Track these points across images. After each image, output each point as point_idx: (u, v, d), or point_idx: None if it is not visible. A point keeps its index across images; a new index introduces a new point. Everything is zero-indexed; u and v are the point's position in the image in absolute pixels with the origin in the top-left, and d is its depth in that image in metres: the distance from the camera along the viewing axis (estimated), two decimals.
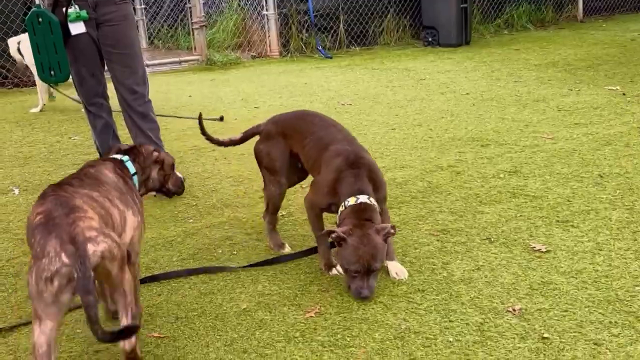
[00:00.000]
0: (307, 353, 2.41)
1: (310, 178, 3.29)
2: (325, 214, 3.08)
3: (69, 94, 6.78)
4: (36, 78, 6.88)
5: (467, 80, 7.33)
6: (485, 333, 2.46)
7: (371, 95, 6.87)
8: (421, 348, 2.39)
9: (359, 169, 2.87)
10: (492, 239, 3.25)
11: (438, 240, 3.28)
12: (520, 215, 3.51)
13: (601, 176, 4.01)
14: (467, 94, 6.61)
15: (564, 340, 2.37)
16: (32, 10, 3.88)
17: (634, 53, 8.42)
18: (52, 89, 7.11)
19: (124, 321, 2.23)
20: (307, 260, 3.14)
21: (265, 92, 7.33)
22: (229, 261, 3.21)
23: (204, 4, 9.92)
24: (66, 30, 3.88)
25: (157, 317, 2.72)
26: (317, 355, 2.39)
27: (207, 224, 3.69)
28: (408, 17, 10.71)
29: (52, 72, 3.94)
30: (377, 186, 2.90)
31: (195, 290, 2.93)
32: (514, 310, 2.59)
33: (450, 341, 2.42)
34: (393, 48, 10.28)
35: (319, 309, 2.71)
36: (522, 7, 11.57)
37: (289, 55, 9.86)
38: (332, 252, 3.02)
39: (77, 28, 3.92)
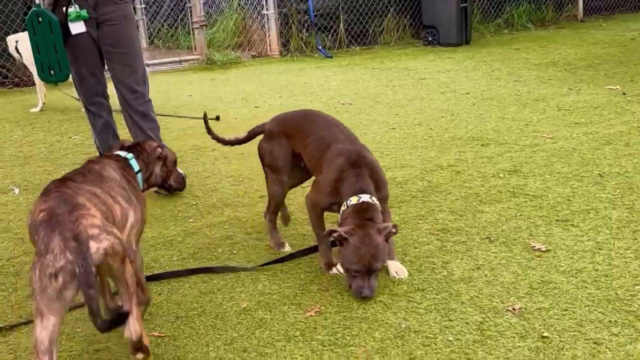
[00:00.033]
0: (307, 352, 2.41)
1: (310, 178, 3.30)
2: (325, 213, 3.08)
3: (69, 93, 6.81)
4: (35, 77, 6.88)
5: (467, 79, 7.33)
6: (485, 332, 2.46)
7: (371, 94, 6.87)
8: (421, 347, 2.39)
9: (361, 168, 2.87)
10: (492, 238, 3.25)
11: (438, 240, 3.28)
12: (520, 215, 3.51)
13: (601, 175, 4.01)
14: (467, 93, 6.61)
15: (563, 339, 2.38)
16: (32, 9, 3.88)
17: (634, 52, 8.42)
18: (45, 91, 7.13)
19: (131, 320, 2.25)
20: (307, 259, 3.14)
21: (266, 91, 7.33)
22: (229, 260, 3.21)
23: (204, 3, 9.93)
24: (66, 29, 3.89)
25: (157, 316, 2.72)
26: (317, 354, 2.39)
27: (207, 223, 3.69)
28: (408, 16, 10.71)
29: (52, 72, 3.94)
30: (378, 185, 2.90)
31: (195, 290, 2.93)
32: (514, 309, 2.59)
33: (450, 340, 2.42)
34: (393, 47, 10.28)
35: (319, 308, 2.71)
36: (522, 6, 11.57)
37: (289, 54, 9.87)
38: (332, 252, 3.03)
39: (77, 27, 3.92)
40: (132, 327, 2.22)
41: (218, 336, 2.56)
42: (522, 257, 3.03)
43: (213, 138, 3.54)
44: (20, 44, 6.81)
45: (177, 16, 11.29)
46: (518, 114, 5.63)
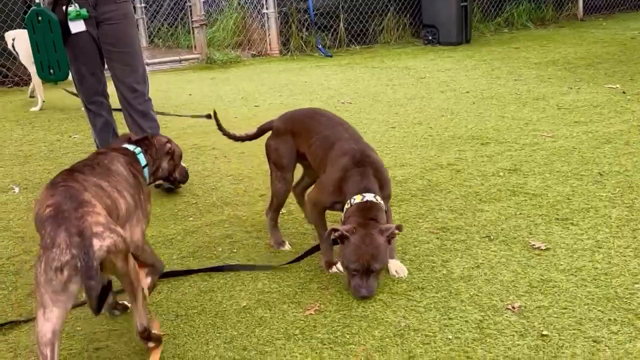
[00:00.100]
0: (306, 350, 2.41)
1: None
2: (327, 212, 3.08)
3: (66, 88, 6.81)
4: (33, 76, 6.88)
5: (467, 78, 7.33)
6: (484, 330, 2.46)
7: (371, 93, 6.87)
8: (420, 345, 2.40)
9: (365, 167, 2.87)
10: (492, 237, 3.25)
11: (438, 238, 3.28)
12: (520, 213, 3.51)
13: (601, 174, 4.01)
14: (467, 92, 6.61)
15: (563, 338, 2.38)
16: (31, 8, 3.88)
17: (634, 51, 8.42)
18: (34, 89, 7.14)
19: (136, 312, 2.32)
20: (307, 258, 3.14)
21: (266, 90, 7.33)
22: (229, 259, 3.22)
23: (204, 2, 9.93)
24: (66, 28, 3.88)
25: (157, 314, 2.72)
26: (316, 353, 2.39)
27: (207, 222, 3.69)
28: (408, 15, 10.71)
29: (51, 71, 3.94)
30: (382, 184, 2.90)
31: (195, 288, 2.94)
32: (514, 307, 2.59)
33: (449, 338, 2.43)
34: (393, 46, 10.28)
35: (318, 306, 2.71)
36: (522, 5, 11.58)
37: (289, 53, 9.87)
38: (334, 250, 3.03)
39: (77, 26, 3.92)
40: (138, 319, 2.31)
41: (218, 335, 2.56)
42: (522, 256, 3.03)
43: (224, 134, 3.55)
44: (17, 42, 6.79)
45: (177, 15, 11.29)
46: (518, 113, 5.63)
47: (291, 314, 2.67)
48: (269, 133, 3.37)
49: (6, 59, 8.08)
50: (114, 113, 4.34)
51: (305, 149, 3.15)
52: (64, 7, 3.87)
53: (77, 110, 6.47)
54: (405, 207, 3.70)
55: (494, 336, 2.42)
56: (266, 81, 7.92)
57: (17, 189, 4.45)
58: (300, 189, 3.51)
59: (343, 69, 8.51)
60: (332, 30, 10.27)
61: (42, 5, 3.91)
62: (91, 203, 2.18)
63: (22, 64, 7.12)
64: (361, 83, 7.48)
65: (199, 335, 2.56)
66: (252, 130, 3.50)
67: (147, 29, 11.84)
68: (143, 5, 11.66)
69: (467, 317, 2.56)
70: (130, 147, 2.73)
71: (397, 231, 2.77)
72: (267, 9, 9.79)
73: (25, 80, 8.34)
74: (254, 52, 10.04)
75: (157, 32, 11.69)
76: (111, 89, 4.24)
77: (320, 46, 9.92)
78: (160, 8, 11.73)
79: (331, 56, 9.64)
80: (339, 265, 2.95)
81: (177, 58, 9.68)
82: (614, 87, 6.38)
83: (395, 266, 2.95)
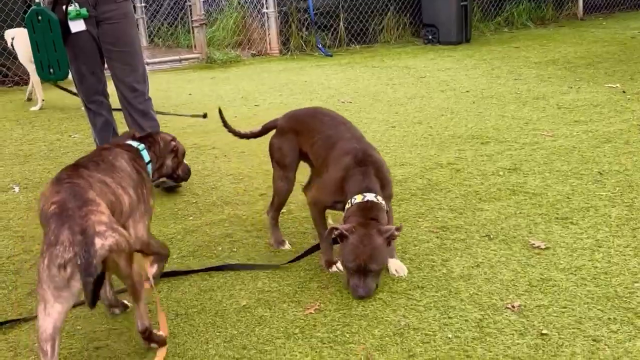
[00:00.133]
0: (306, 349, 2.42)
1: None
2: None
3: (67, 88, 6.80)
4: (32, 75, 6.88)
5: (467, 78, 7.33)
6: (484, 329, 2.46)
7: (371, 93, 6.87)
8: (420, 344, 2.40)
9: (367, 167, 2.87)
10: (492, 236, 3.25)
11: (437, 238, 3.28)
12: (520, 213, 3.51)
13: (601, 173, 4.01)
14: (467, 91, 6.61)
15: (562, 337, 2.38)
16: (31, 8, 3.88)
17: (634, 51, 8.41)
18: (32, 92, 7.14)
19: (137, 313, 2.36)
20: (307, 257, 3.14)
21: (266, 90, 7.33)
22: (229, 258, 3.22)
23: (204, 2, 9.93)
24: (66, 28, 3.88)
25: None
26: (316, 352, 2.40)
27: (207, 222, 3.69)
28: (408, 15, 10.71)
29: (51, 70, 3.94)
30: (384, 184, 2.89)
31: (195, 287, 2.94)
32: (513, 306, 2.59)
33: (449, 337, 2.43)
34: (393, 46, 10.28)
35: (318, 305, 2.71)
36: (523, 4, 11.57)
37: (289, 53, 9.86)
38: (334, 250, 3.03)
39: (77, 26, 3.92)
40: (139, 320, 2.35)
41: (218, 334, 2.56)
42: (522, 255, 3.03)
43: (229, 131, 3.57)
44: (16, 41, 6.78)
45: (177, 15, 11.29)
46: (518, 112, 5.63)
47: (291, 313, 2.67)
48: (273, 132, 3.37)
49: (6, 58, 8.08)
50: (114, 112, 4.34)
51: (308, 148, 3.15)
52: (64, 7, 3.86)
53: (77, 109, 6.47)
54: (405, 206, 3.70)
55: (494, 335, 2.42)
56: (266, 81, 7.92)
57: (17, 189, 4.45)
58: (310, 189, 3.51)
59: (343, 69, 8.51)
60: (332, 29, 10.27)
61: (42, 4, 3.91)
62: (95, 202, 2.21)
63: (22, 64, 7.11)
64: (361, 82, 7.48)
65: (199, 334, 2.56)
66: (257, 128, 3.51)
67: (147, 28, 11.84)
68: (143, 4, 11.65)
69: (467, 316, 2.56)
70: (134, 143, 2.76)
71: (396, 233, 2.76)
72: (267, 8, 9.79)
73: (25, 80, 8.33)
74: (254, 52, 10.04)
75: (157, 31, 11.68)
76: (111, 88, 4.24)
77: (320, 45, 9.92)
78: (160, 7, 11.72)
79: (331, 55, 9.64)
80: (338, 264, 2.96)
81: (177, 57, 9.68)
82: (614, 86, 6.38)
83: (395, 265, 2.95)
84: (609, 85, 6.45)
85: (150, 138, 2.86)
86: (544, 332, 2.41)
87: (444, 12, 9.86)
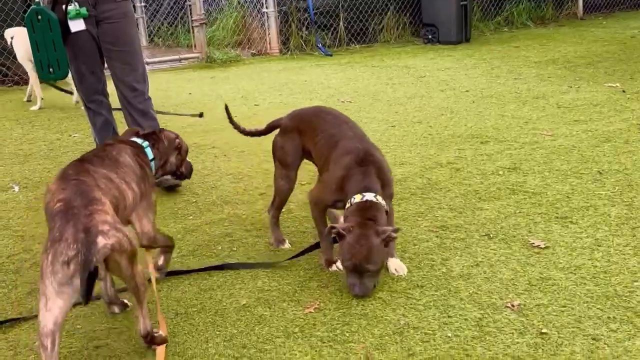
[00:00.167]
0: (306, 348, 2.42)
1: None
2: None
3: (61, 87, 6.80)
4: (30, 75, 6.88)
5: (467, 77, 7.33)
6: (483, 328, 2.46)
7: (371, 92, 6.87)
8: (420, 343, 2.40)
9: (368, 166, 2.86)
10: (491, 235, 3.25)
11: (437, 237, 3.28)
12: (520, 212, 3.52)
13: (600, 173, 4.01)
14: (467, 91, 6.61)
15: (562, 336, 2.38)
16: (31, 7, 3.88)
17: (634, 50, 8.42)
18: (32, 93, 7.12)
19: (140, 318, 2.38)
20: (307, 256, 3.14)
21: (265, 89, 7.33)
22: (229, 258, 3.22)
23: (203, 1, 9.93)
24: (66, 27, 3.88)
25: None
26: (316, 351, 2.40)
27: (206, 221, 3.69)
28: (408, 14, 10.71)
29: (51, 70, 3.94)
30: (384, 184, 2.89)
31: (194, 287, 2.94)
32: (513, 305, 2.59)
33: (448, 336, 2.43)
34: (393, 45, 10.28)
35: (318, 304, 2.71)
36: (522, 4, 11.57)
37: (289, 52, 9.87)
38: (334, 249, 3.03)
39: (76, 25, 3.92)
40: (142, 324, 2.37)
41: (217, 333, 2.56)
42: (521, 254, 3.04)
43: (235, 127, 3.57)
44: (15, 40, 6.78)
45: (177, 14, 11.29)
46: (517, 112, 5.63)
47: (291, 312, 2.67)
48: (276, 131, 3.38)
49: (6, 57, 8.08)
50: (113, 112, 4.34)
51: (312, 146, 3.16)
52: (63, 6, 3.86)
53: (77, 109, 6.47)
54: (404, 206, 3.70)
55: (493, 334, 2.42)
56: (266, 80, 7.92)
57: (16, 188, 4.45)
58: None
59: (343, 68, 8.51)
60: (332, 29, 10.27)
61: (41, 4, 3.91)
62: (101, 201, 2.24)
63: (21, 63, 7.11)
64: (361, 82, 7.49)
65: (199, 333, 2.56)
66: (262, 126, 3.52)
67: (147, 28, 11.84)
68: (143, 4, 11.66)
69: (467, 315, 2.56)
70: (138, 140, 2.80)
71: (394, 234, 2.74)
72: (267, 7, 9.79)
73: (25, 80, 8.31)
74: (253, 51, 10.04)
75: (157, 31, 11.69)
76: (111, 87, 4.24)
77: (320, 45, 9.92)
78: (160, 7, 11.73)
79: (331, 55, 9.64)
80: (338, 263, 2.96)
81: (177, 57, 9.68)
82: (614, 85, 6.38)
83: (395, 264, 2.95)
84: (609, 84, 6.45)
85: (154, 135, 2.89)
86: (543, 331, 2.42)
87: (443, 12, 9.86)
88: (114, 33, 4.04)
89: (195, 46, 9.84)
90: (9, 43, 6.93)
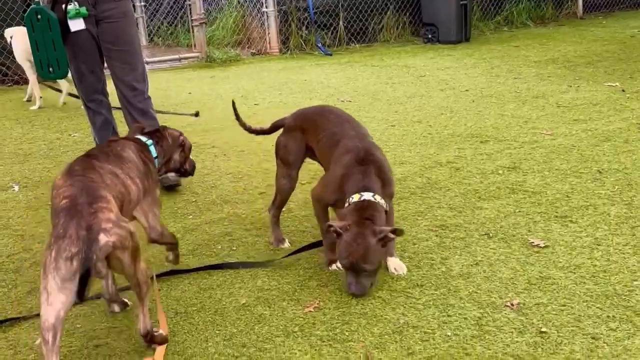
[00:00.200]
0: (306, 347, 2.42)
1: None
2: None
3: (51, 85, 6.80)
4: (28, 75, 6.88)
5: (467, 76, 7.34)
6: (483, 327, 2.46)
7: (371, 92, 6.87)
8: (419, 342, 2.40)
9: (368, 166, 2.86)
10: (491, 235, 3.26)
11: (437, 236, 3.29)
12: (519, 211, 3.52)
13: (600, 172, 4.02)
14: (467, 90, 6.61)
15: (561, 335, 2.38)
16: (31, 7, 3.88)
17: (634, 50, 8.42)
18: (31, 94, 7.12)
19: (141, 316, 2.39)
20: (306, 255, 3.15)
21: (265, 89, 7.34)
22: (229, 257, 3.22)
23: (203, 1, 9.93)
24: (65, 26, 3.89)
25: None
26: (315, 350, 2.40)
27: (206, 220, 3.70)
28: (408, 14, 10.71)
29: (50, 69, 3.94)
30: (384, 183, 2.88)
31: (194, 286, 2.94)
32: (512, 304, 2.60)
33: (448, 335, 2.43)
34: (393, 45, 10.28)
35: (317, 303, 2.71)
36: (522, 4, 11.57)
37: (289, 52, 9.87)
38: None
39: (76, 25, 3.92)
40: (142, 323, 2.39)
41: (217, 332, 2.56)
42: (521, 253, 3.04)
43: (240, 125, 3.59)
44: (14, 39, 6.79)
45: (177, 14, 11.29)
46: (517, 111, 5.63)
47: (290, 311, 2.67)
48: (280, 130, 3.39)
49: (6, 57, 8.08)
50: (113, 111, 4.34)
51: (315, 145, 3.17)
52: (63, 6, 3.87)
53: (77, 108, 6.47)
54: (404, 205, 3.70)
55: (493, 333, 2.42)
56: (266, 79, 7.92)
57: (16, 187, 4.45)
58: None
59: (343, 68, 8.51)
60: (331, 28, 10.27)
61: (41, 3, 3.91)
62: (106, 198, 2.27)
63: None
64: (361, 81, 7.49)
65: (199, 333, 2.57)
66: (266, 125, 3.52)
67: (147, 27, 11.84)
68: (143, 3, 11.66)
69: (466, 314, 2.56)
70: (143, 138, 2.84)
71: (391, 235, 2.73)
72: (266, 7, 9.79)
73: (25, 79, 8.31)
74: (253, 51, 10.04)
75: (157, 30, 11.69)
76: (110, 87, 4.24)
77: (319, 44, 9.92)
78: (159, 6, 11.73)
79: (331, 54, 9.64)
80: (339, 262, 2.96)
81: (176, 56, 9.68)
82: (614, 85, 6.38)
83: (394, 264, 2.95)
84: (609, 84, 6.45)
85: (158, 133, 2.93)
86: (543, 330, 2.42)
87: (443, 11, 9.86)
88: (113, 32, 4.04)
89: (195, 46, 9.84)
90: (9, 42, 6.93)
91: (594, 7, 12.58)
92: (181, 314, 2.71)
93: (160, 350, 2.40)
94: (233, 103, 3.63)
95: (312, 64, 8.96)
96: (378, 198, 2.79)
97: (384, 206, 2.82)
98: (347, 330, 2.51)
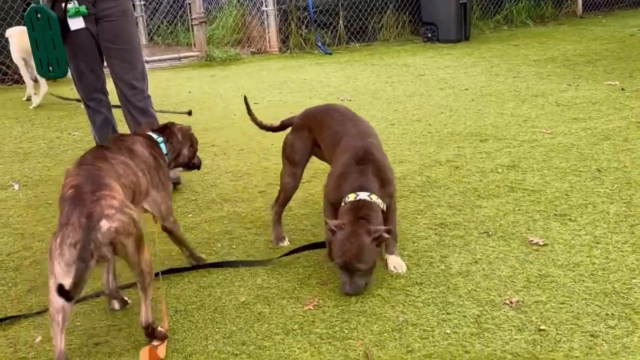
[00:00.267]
0: (305, 345, 2.42)
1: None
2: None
3: (61, 94, 6.81)
4: (23, 74, 6.90)
5: (466, 75, 7.34)
6: (482, 325, 2.47)
7: (370, 91, 6.87)
8: (419, 340, 2.41)
9: (366, 165, 2.85)
10: (490, 233, 3.26)
11: (436, 234, 3.29)
12: (518, 209, 3.52)
13: (599, 170, 4.02)
14: (466, 89, 6.62)
15: (560, 332, 2.39)
16: (30, 6, 3.88)
17: (633, 48, 8.42)
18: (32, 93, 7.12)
19: (143, 307, 2.41)
20: (306, 253, 3.15)
21: (265, 88, 7.34)
22: (228, 255, 3.23)
23: (203, 0, 9.92)
24: (65, 25, 3.89)
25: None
26: (315, 348, 2.40)
27: (206, 219, 3.70)
28: (407, 13, 10.71)
29: (50, 68, 3.95)
30: (383, 183, 2.87)
31: (194, 284, 2.95)
32: (511, 302, 2.60)
33: (447, 333, 2.44)
34: (392, 44, 10.28)
35: (317, 301, 2.72)
36: (522, 2, 11.57)
37: (289, 51, 9.86)
38: None
39: (76, 23, 3.92)
40: (144, 315, 2.41)
41: (217, 330, 2.57)
42: (520, 251, 3.04)
43: (252, 120, 3.61)
44: (12, 38, 6.80)
45: (177, 13, 11.29)
46: (517, 110, 5.63)
47: (290, 309, 2.68)
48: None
49: (6, 56, 8.08)
50: (113, 110, 4.34)
51: (321, 143, 3.18)
52: (63, 4, 3.87)
53: (77, 108, 6.47)
54: (404, 204, 3.71)
55: (492, 331, 2.43)
56: (266, 79, 7.93)
57: (16, 186, 4.46)
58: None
59: (342, 67, 8.51)
60: (331, 27, 10.27)
61: (41, 2, 3.92)
62: (109, 186, 2.32)
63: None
64: (360, 80, 7.49)
65: (198, 330, 2.57)
66: (276, 123, 3.55)
67: (147, 26, 11.84)
68: (142, 2, 11.65)
69: (465, 312, 2.57)
70: (154, 135, 2.93)
71: (385, 235, 2.72)
72: (266, 6, 9.79)
73: None
74: (253, 50, 10.04)
75: (157, 29, 11.68)
76: (110, 86, 4.24)
77: (319, 44, 9.92)
78: (159, 5, 11.72)
79: (330, 54, 9.64)
80: None
81: (176, 55, 9.68)
82: (613, 84, 6.39)
83: (394, 262, 2.96)
84: (608, 82, 6.46)
85: (167, 130, 3.02)
86: (542, 327, 2.42)
87: (443, 10, 9.86)
88: (113, 31, 4.04)
89: (194, 45, 9.84)
90: (10, 42, 6.95)
91: (593, 6, 12.58)
92: (181, 312, 2.71)
93: (160, 350, 2.41)
94: (245, 99, 3.63)
95: (312, 63, 8.96)
96: (374, 197, 2.79)
97: (381, 206, 2.82)
98: (346, 328, 2.51)
